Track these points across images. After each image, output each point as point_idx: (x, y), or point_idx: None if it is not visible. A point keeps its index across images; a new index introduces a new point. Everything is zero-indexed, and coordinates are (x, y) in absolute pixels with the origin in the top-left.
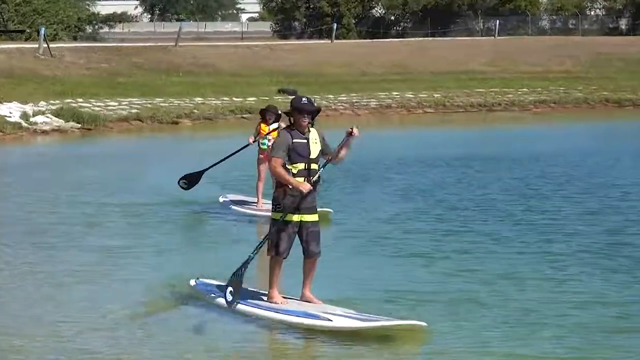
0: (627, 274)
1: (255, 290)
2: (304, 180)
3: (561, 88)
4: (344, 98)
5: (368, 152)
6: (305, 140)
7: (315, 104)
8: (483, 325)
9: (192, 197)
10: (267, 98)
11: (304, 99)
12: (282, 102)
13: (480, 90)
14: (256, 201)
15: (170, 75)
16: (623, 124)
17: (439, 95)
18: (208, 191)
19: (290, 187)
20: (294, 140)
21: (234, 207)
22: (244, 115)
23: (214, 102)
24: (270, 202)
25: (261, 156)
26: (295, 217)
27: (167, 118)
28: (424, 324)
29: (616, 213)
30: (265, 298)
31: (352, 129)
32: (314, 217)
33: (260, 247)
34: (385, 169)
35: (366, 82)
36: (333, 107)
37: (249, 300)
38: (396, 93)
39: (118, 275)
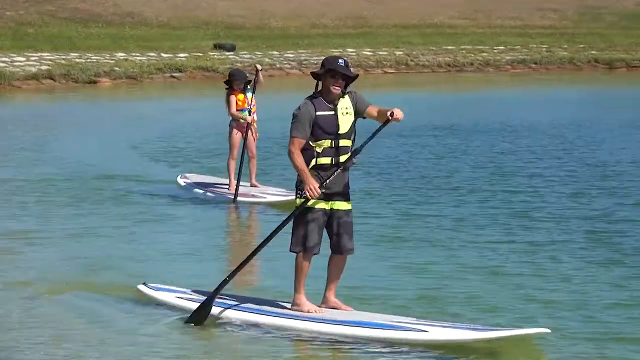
0: (618, 270)
1: (262, 298)
2: (331, 162)
3: (543, 46)
4: (291, 55)
5: None
6: (332, 112)
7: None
8: None
9: (119, 171)
10: (200, 54)
11: (340, 60)
12: (219, 60)
13: (450, 47)
14: (228, 183)
15: (87, 26)
16: (615, 89)
17: (401, 53)
18: (146, 165)
19: (308, 171)
20: (318, 113)
21: (197, 190)
22: (174, 74)
23: (139, 58)
24: (248, 184)
25: (235, 129)
26: (325, 205)
27: (84, 76)
28: (547, 330)
29: (608, 195)
30: (287, 306)
31: (391, 114)
32: (346, 206)
33: (247, 261)
34: None
35: (317, 36)
36: (278, 65)
37: (264, 308)
38: (351, 50)
39: (20, 265)
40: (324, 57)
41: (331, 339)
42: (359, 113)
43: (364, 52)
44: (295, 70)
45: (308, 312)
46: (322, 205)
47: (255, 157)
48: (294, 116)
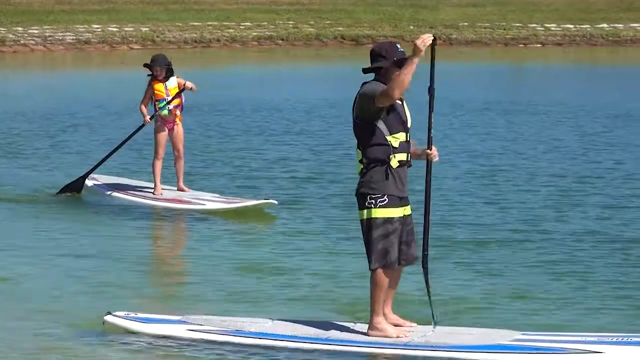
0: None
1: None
2: (406, 159)
3: (290, 22)
4: (36, 31)
5: (58, 98)
6: (401, 103)
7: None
8: None
9: None
10: None
11: (398, 44)
12: None
13: (196, 23)
14: (153, 186)
15: None
16: (361, 65)
17: (147, 29)
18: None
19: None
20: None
21: (116, 194)
22: None
23: None
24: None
25: (160, 125)
26: (400, 211)
27: None
28: None
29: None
30: (356, 329)
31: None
32: (410, 209)
33: None
34: (73, 118)
35: (62, 12)
36: (22, 41)
37: (335, 336)
38: (97, 26)
39: None
40: (69, 33)
41: None
42: None
43: (110, 28)
44: (40, 47)
45: (397, 337)
46: (399, 213)
47: (182, 157)
48: (369, 88)
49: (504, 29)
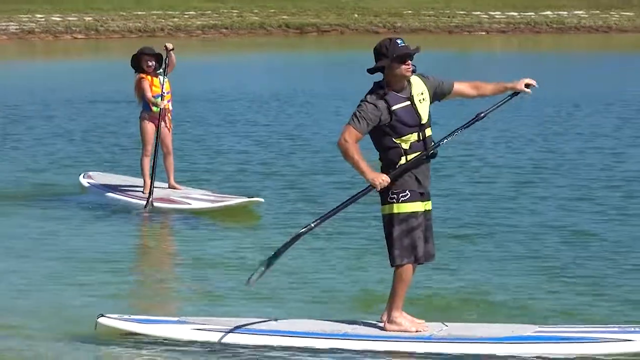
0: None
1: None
2: (421, 154)
3: (234, 11)
4: None
5: (3, 89)
6: (409, 102)
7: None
8: None
9: None
10: None
11: (398, 40)
12: None
13: (140, 13)
14: (142, 185)
15: None
16: (306, 54)
17: (90, 18)
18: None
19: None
20: (395, 107)
21: (110, 195)
22: None
23: None
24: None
25: (147, 120)
26: (422, 206)
27: None
28: None
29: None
30: (372, 322)
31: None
32: (431, 205)
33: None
34: (19, 109)
35: (4, 2)
36: None
37: (353, 331)
38: (40, 16)
39: None
40: (12, 23)
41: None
42: (442, 96)
43: (53, 18)
44: None
45: (417, 331)
46: (421, 207)
47: (171, 152)
48: (360, 106)
49: (449, 17)
